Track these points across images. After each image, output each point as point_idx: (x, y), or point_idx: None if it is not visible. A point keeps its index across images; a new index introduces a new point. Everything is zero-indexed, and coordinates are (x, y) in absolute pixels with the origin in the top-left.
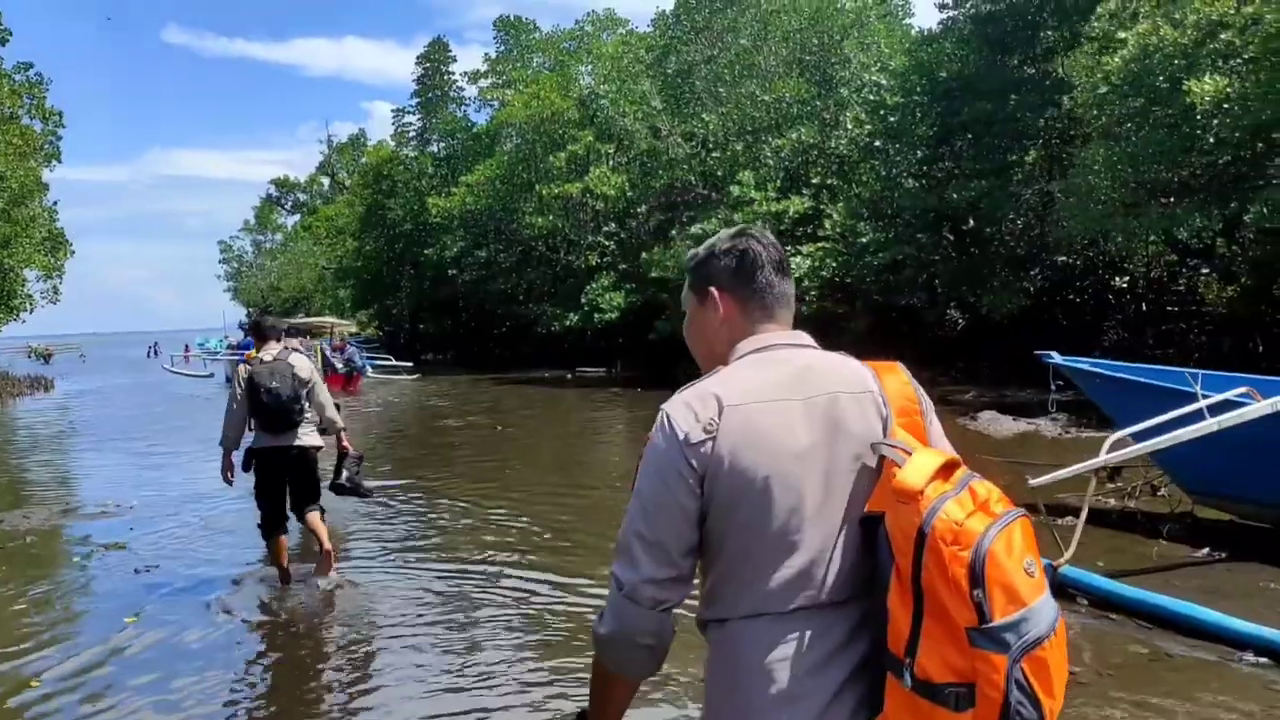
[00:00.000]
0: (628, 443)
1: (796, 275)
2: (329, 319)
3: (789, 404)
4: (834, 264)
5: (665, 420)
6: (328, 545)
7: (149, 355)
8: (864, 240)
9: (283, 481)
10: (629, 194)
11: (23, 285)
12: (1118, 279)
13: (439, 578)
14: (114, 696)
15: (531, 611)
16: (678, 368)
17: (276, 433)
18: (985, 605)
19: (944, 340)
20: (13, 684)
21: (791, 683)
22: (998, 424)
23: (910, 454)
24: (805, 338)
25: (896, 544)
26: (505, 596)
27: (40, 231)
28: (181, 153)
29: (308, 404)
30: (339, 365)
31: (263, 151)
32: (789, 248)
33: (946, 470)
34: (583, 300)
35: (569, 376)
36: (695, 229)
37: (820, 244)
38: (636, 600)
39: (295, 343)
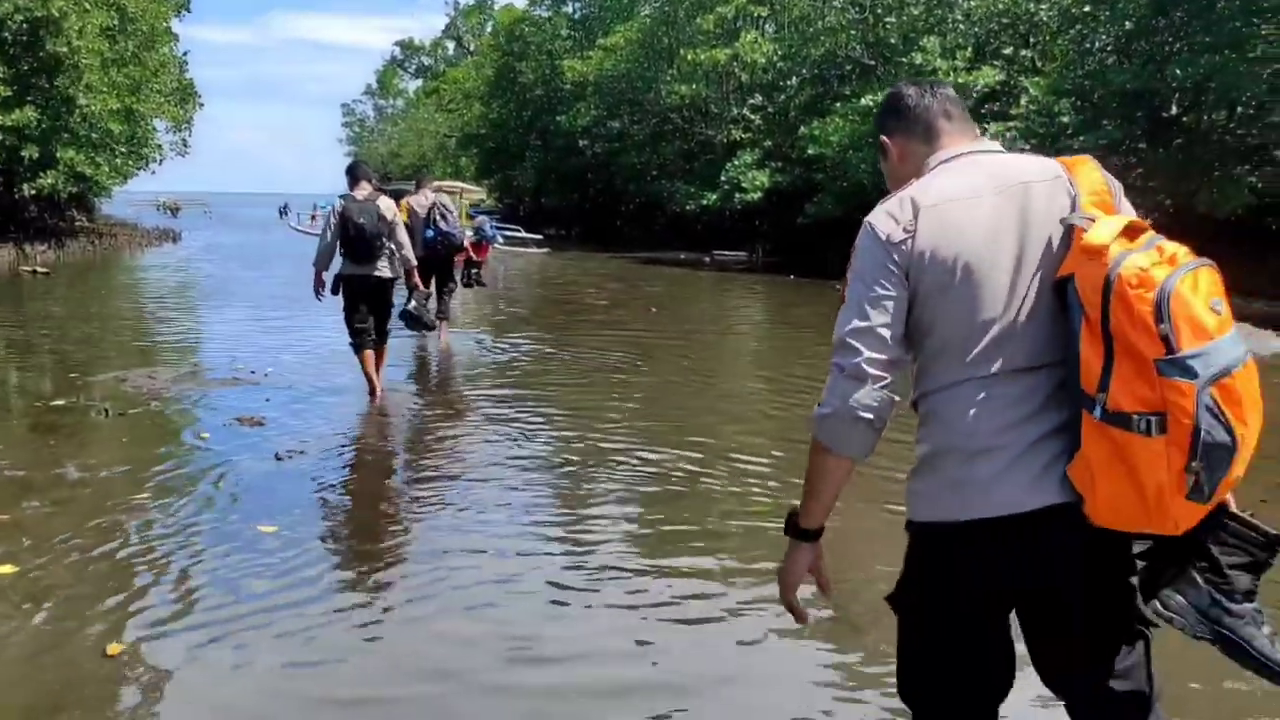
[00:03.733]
0: (796, 335)
1: None
2: (459, 184)
3: (981, 199)
4: (1026, 147)
5: (868, 227)
6: (380, 373)
7: (281, 215)
8: (1064, 120)
9: (362, 304)
10: (779, 64)
11: (153, 135)
12: None
13: (579, 440)
14: (231, 641)
15: (654, 477)
16: (829, 255)
17: (359, 262)
18: (1172, 337)
19: None
20: (119, 613)
21: (989, 435)
22: (1256, 341)
23: (1095, 220)
24: (994, 145)
25: (1086, 298)
26: (640, 466)
27: (170, 81)
28: (303, 16)
29: (388, 240)
30: (468, 232)
31: (381, 18)
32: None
33: (1132, 231)
34: (722, 178)
35: (707, 260)
36: (865, 100)
37: (1010, 123)
38: (858, 377)
39: (444, 198)
